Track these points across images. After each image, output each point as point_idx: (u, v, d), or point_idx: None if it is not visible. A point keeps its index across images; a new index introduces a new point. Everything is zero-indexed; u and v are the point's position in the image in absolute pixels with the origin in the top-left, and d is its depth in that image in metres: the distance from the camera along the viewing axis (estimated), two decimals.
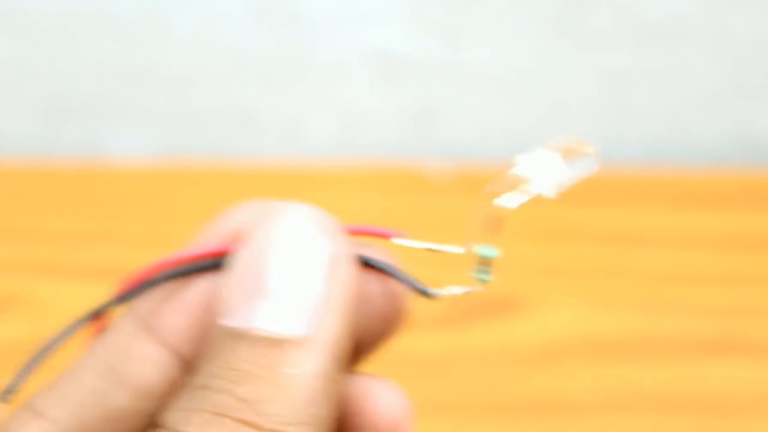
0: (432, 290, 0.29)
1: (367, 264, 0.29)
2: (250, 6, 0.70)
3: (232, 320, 0.26)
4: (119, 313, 0.30)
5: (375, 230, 0.29)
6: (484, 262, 0.29)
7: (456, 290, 0.29)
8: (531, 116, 0.73)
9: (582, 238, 0.63)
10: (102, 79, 0.71)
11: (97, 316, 0.29)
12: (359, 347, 0.30)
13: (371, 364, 0.31)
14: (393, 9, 0.71)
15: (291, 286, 0.26)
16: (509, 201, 0.27)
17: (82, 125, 0.73)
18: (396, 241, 0.29)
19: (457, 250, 0.29)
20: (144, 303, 0.29)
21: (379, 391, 0.29)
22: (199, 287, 0.29)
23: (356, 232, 0.28)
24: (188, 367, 0.29)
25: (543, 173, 0.25)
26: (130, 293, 0.29)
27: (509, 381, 0.55)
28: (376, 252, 0.29)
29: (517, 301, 0.59)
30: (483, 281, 0.29)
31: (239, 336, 0.26)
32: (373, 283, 0.29)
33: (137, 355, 0.29)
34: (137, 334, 0.29)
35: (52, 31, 0.71)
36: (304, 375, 0.25)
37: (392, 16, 0.71)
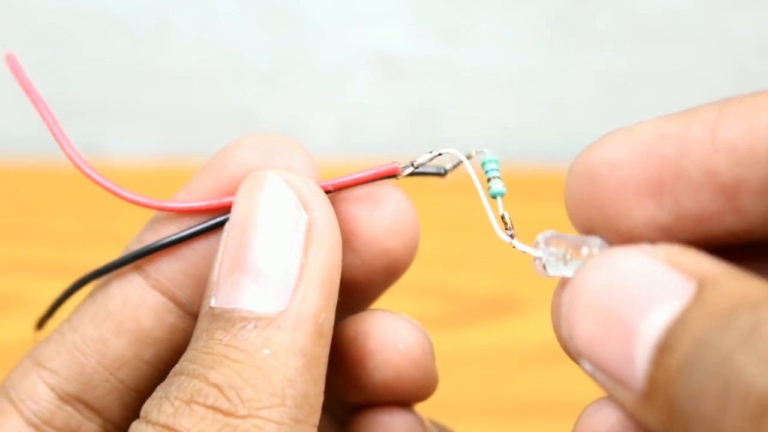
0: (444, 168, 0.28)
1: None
2: (250, 6, 0.70)
3: (216, 300, 0.25)
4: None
5: (366, 175, 0.27)
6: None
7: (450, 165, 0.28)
8: (531, 116, 0.73)
9: None
10: (102, 79, 0.72)
11: (107, 272, 0.29)
12: (371, 285, 0.29)
13: None
14: (393, 10, 0.71)
15: (269, 261, 0.25)
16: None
17: (81, 125, 0.73)
18: (400, 175, 0.28)
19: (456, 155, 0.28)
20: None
21: (397, 327, 0.28)
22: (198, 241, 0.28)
23: (348, 184, 0.28)
24: (187, 314, 0.28)
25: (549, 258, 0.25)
26: (139, 253, 0.28)
27: (509, 381, 0.55)
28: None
29: (517, 301, 0.59)
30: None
31: (217, 317, 0.25)
32: (381, 219, 0.28)
33: (134, 301, 0.28)
34: (135, 282, 0.28)
35: (52, 31, 0.71)
36: (282, 354, 0.24)
37: (393, 16, 0.71)
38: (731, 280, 0.21)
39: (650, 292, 0.21)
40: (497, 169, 0.28)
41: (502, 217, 0.27)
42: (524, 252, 0.26)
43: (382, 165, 0.27)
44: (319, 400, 0.25)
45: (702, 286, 0.21)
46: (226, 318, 0.25)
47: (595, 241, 0.24)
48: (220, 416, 0.24)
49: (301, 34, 0.71)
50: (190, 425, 0.24)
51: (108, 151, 0.72)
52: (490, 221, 0.27)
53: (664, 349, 0.21)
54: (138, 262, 0.29)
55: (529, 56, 0.72)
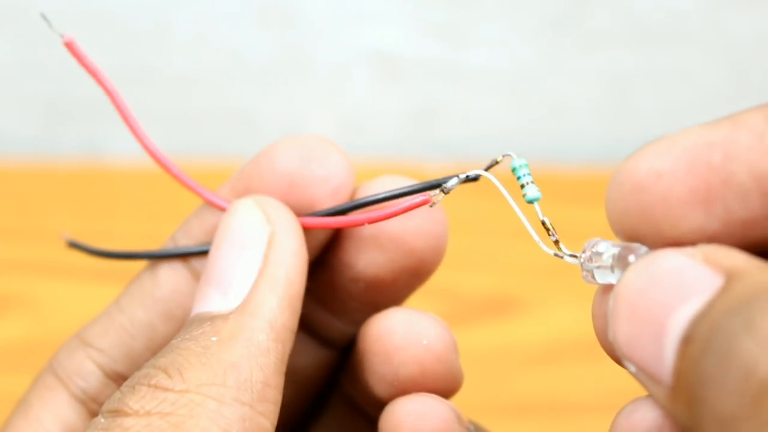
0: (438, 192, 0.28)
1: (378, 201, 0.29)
2: (250, 6, 0.70)
3: (192, 313, 0.27)
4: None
5: (399, 209, 0.28)
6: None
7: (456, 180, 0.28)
8: (531, 116, 0.73)
9: (582, 238, 0.62)
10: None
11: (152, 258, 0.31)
12: (396, 285, 0.30)
13: None
14: (393, 9, 0.71)
15: (231, 269, 0.27)
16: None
17: (81, 125, 0.73)
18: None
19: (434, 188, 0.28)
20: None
21: (420, 323, 0.29)
22: None
23: (382, 218, 0.28)
24: None
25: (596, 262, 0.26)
26: (191, 252, 0.30)
27: (509, 381, 0.55)
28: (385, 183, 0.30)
29: (517, 301, 0.59)
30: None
31: (185, 322, 0.27)
32: (410, 219, 0.29)
33: (183, 292, 0.30)
34: (182, 273, 0.30)
35: (52, 31, 0.71)
36: (228, 340, 0.26)
37: (392, 16, 0.71)
38: (759, 272, 0.21)
39: (681, 288, 0.22)
40: (529, 174, 0.28)
41: (543, 223, 0.27)
42: (572, 263, 0.26)
43: (415, 197, 0.28)
44: (268, 389, 0.26)
45: (729, 279, 0.21)
46: (188, 322, 0.27)
47: (641, 249, 0.24)
48: (159, 392, 0.25)
49: (300, 34, 0.71)
50: (133, 403, 0.25)
51: (108, 151, 0.72)
52: (527, 230, 0.27)
53: (687, 340, 0.21)
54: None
55: (529, 56, 0.72)
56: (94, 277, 0.57)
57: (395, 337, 0.29)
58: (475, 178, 0.28)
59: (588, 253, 0.25)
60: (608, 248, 0.25)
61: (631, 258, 0.24)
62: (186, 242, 0.30)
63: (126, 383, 0.26)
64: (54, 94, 0.72)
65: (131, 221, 0.64)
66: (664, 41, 0.72)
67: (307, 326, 0.32)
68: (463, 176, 0.28)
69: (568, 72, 0.72)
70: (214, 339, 0.26)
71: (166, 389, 0.25)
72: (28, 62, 0.72)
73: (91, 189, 0.68)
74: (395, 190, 0.29)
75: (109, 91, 0.31)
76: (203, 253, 0.29)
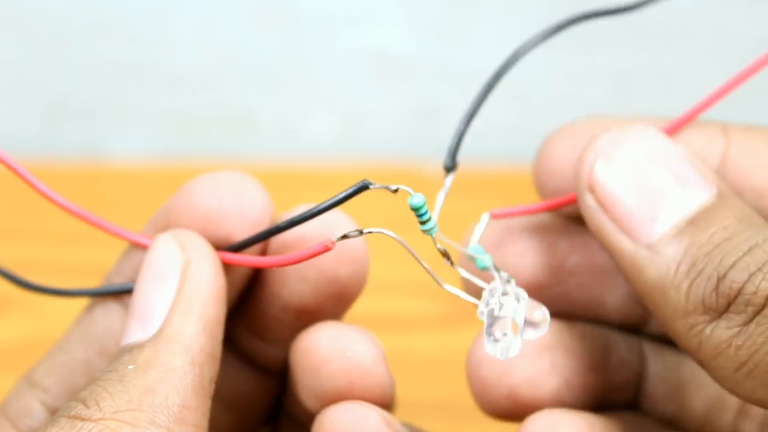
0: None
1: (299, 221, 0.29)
2: (250, 6, 0.70)
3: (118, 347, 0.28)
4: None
5: (303, 255, 0.28)
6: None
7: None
8: (531, 116, 0.73)
9: None
10: (102, 79, 0.72)
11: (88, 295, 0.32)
12: (322, 311, 0.31)
13: None
14: (393, 9, 0.71)
15: (148, 299, 0.28)
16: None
17: (82, 125, 0.73)
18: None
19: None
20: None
21: (344, 336, 0.30)
22: None
23: (293, 261, 0.28)
24: None
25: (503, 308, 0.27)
26: (121, 290, 0.31)
27: None
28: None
29: None
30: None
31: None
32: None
33: (116, 329, 0.30)
34: (116, 310, 0.31)
35: (52, 32, 0.71)
36: (143, 366, 0.26)
37: (392, 16, 0.71)
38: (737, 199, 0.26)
39: (683, 175, 0.27)
40: (426, 212, 0.29)
41: (442, 252, 0.28)
42: (472, 301, 0.27)
43: (315, 246, 0.28)
44: (186, 411, 0.26)
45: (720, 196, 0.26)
46: (113, 356, 0.28)
47: (543, 309, 0.25)
48: (77, 422, 0.25)
49: (300, 34, 0.71)
50: None
51: (108, 151, 0.72)
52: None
53: (693, 223, 0.25)
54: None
55: (529, 56, 0.72)
56: (94, 277, 0.57)
57: (321, 351, 0.29)
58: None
59: (487, 308, 0.26)
60: (508, 307, 0.26)
61: (538, 314, 0.25)
62: (119, 281, 0.31)
63: (51, 418, 0.26)
64: (54, 93, 0.72)
65: (131, 221, 0.63)
66: (664, 41, 0.72)
67: (244, 355, 0.32)
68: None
69: (568, 72, 0.72)
70: (131, 367, 0.26)
71: (83, 419, 0.25)
72: (28, 62, 0.72)
73: (92, 189, 0.68)
74: (297, 216, 0.29)
75: (10, 165, 0.32)
76: (129, 291, 0.30)
